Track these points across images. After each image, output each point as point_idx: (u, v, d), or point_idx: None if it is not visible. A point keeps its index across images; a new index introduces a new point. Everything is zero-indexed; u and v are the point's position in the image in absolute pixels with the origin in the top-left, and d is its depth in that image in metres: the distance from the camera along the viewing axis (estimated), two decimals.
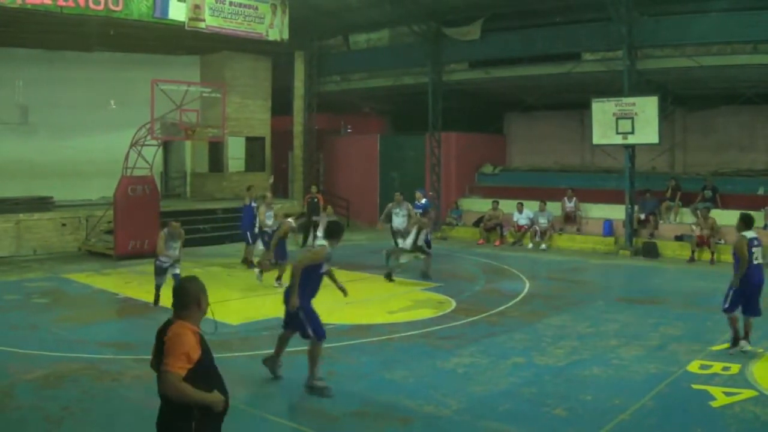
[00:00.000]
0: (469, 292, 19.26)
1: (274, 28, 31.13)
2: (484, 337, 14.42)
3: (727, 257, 25.04)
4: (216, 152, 34.62)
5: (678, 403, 10.45)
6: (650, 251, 26.79)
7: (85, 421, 9.88)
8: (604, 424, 9.56)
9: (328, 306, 17.52)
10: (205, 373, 5.81)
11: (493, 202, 30.80)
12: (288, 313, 11.24)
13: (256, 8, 30.39)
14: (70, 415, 10.00)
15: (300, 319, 11.08)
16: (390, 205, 23.32)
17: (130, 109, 28.46)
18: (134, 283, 20.51)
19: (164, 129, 26.16)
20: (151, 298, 17.44)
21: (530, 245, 29.16)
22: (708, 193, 27.90)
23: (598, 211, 29.67)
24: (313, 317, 11.17)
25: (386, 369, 12.15)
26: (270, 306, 16.87)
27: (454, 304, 17.56)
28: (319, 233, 13.14)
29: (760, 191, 27.66)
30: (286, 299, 11.17)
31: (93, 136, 31.15)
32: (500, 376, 11.66)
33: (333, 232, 11.83)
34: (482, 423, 9.74)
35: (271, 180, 31.64)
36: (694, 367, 12.21)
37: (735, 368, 12.03)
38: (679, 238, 27.00)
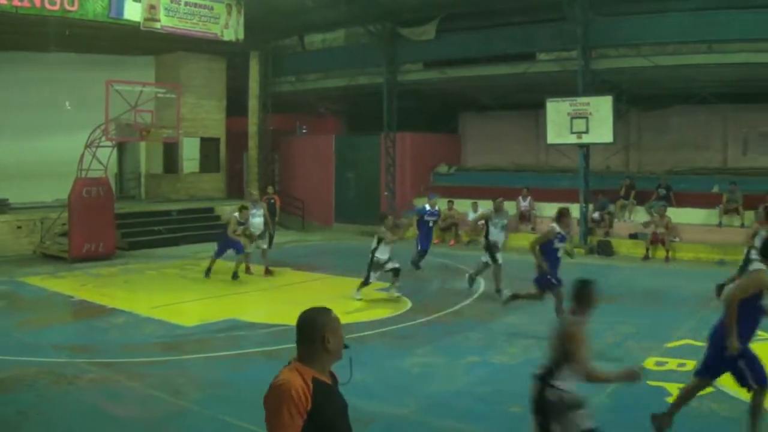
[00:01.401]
0: (425, 292, 19.28)
1: (230, 28, 31.04)
2: (440, 337, 14.47)
3: (682, 255, 25.38)
4: (171, 153, 34.46)
5: (634, 399, 10.49)
6: (605, 249, 26.97)
7: (42, 425, 9.82)
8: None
9: (282, 307, 17.59)
10: None
11: (449, 201, 30.77)
12: (716, 357, 8.81)
13: (212, 8, 30.29)
14: (27, 420, 9.92)
15: (739, 368, 8.61)
16: (485, 212, 20.63)
17: (86, 110, 28.06)
18: (89, 286, 20.37)
19: (119, 130, 25.97)
20: (107, 301, 17.40)
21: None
22: (662, 192, 28.13)
23: (553, 210, 29.65)
24: (754, 362, 8.64)
25: (343, 369, 12.10)
26: (225, 307, 16.90)
27: (409, 303, 17.59)
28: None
29: (715, 189, 27.92)
30: (715, 338, 8.81)
31: (49, 137, 30.83)
32: (457, 375, 11.69)
33: None
34: (440, 422, 9.77)
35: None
36: (649, 363, 12.33)
37: (691, 364, 12.06)
38: (633, 237, 27.19)
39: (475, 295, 18.83)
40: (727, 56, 25.44)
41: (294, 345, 4.87)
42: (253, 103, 36.28)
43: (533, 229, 29.39)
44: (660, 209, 26.44)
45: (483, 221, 19.61)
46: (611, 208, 28.72)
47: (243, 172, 38.22)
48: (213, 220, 31.32)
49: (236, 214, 21.65)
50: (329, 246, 30.05)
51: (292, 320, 4.44)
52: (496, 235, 19.24)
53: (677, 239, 25.97)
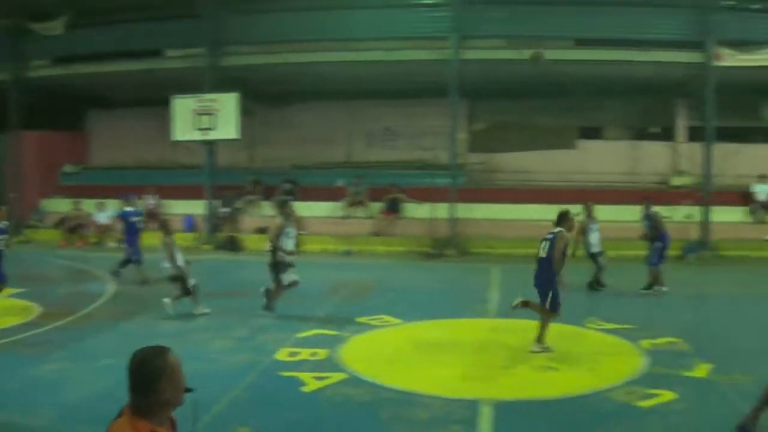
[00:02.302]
0: (54, 296, 18.68)
1: None
2: (72, 341, 14.03)
3: (310, 247, 26.06)
4: None
5: (270, 391, 10.72)
6: (232, 245, 27.24)
7: None
8: (199, 417, 9.61)
9: None
10: None
11: (75, 201, 29.98)
12: None
13: None
14: None
15: None
16: (281, 223, 16.84)
17: None
18: None
19: None
20: None
21: (113, 245, 28.76)
22: (287, 186, 28.75)
23: (180, 207, 29.73)
24: None
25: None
26: None
27: (39, 309, 16.92)
28: None
29: (339, 183, 28.87)
30: None
31: None
32: (94, 380, 11.38)
33: None
34: (81, 428, 9.50)
35: None
36: (282, 355, 12.61)
37: (323, 353, 12.50)
38: (260, 231, 27.64)
39: (106, 297, 18.46)
40: (355, 54, 26.51)
41: None
42: None
43: (161, 227, 29.24)
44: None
45: (278, 233, 16.53)
46: (238, 203, 29.03)
47: None
48: None
49: None
50: None
51: None
52: (291, 246, 16.73)
53: (304, 232, 26.62)
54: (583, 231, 19.42)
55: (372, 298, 18.09)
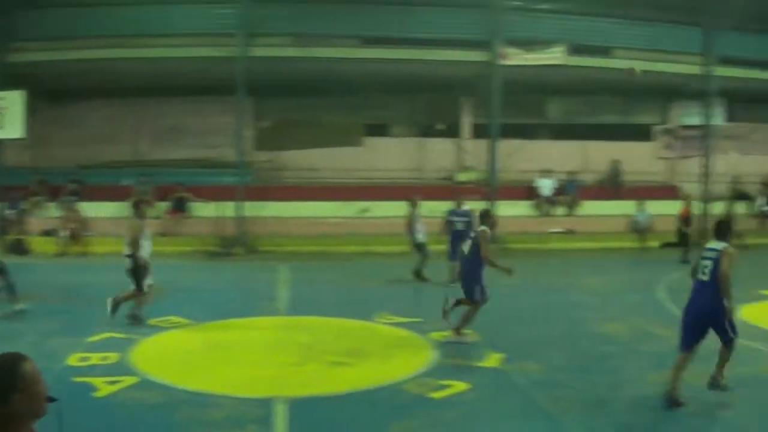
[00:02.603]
0: None
1: None
2: None
3: (98, 248, 25.56)
4: None
5: (62, 397, 10.42)
6: (19, 248, 26.51)
7: None
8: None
9: None
10: None
11: None
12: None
13: None
14: None
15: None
16: (139, 223, 15.80)
17: None
18: None
19: None
20: None
21: None
22: (73, 186, 28.21)
23: None
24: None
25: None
26: None
27: None
28: None
29: (125, 182, 28.47)
30: None
31: None
32: None
33: None
34: None
35: None
36: (73, 360, 12.34)
37: (114, 357, 12.35)
38: (47, 233, 27.01)
39: None
40: (141, 51, 26.27)
41: None
42: None
43: None
44: (71, 205, 26.56)
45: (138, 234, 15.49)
46: (24, 205, 28.28)
47: None
48: None
49: None
50: None
51: None
52: (149, 247, 15.96)
53: (92, 233, 26.16)
54: (410, 224, 20.72)
55: (161, 300, 17.89)
